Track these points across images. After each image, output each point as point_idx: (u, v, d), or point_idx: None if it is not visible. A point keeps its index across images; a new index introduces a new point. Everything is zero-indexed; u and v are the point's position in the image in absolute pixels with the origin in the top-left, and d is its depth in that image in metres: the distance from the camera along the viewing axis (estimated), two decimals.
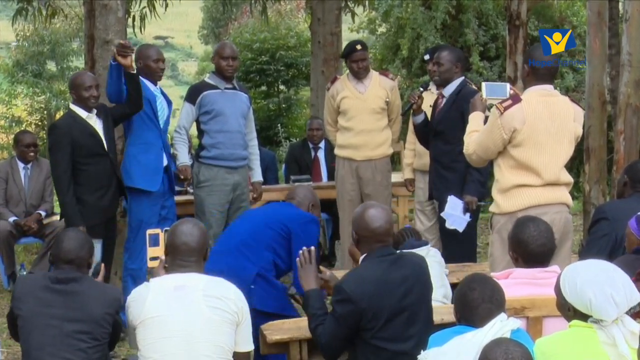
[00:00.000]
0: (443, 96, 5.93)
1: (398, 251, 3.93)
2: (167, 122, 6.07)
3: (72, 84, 5.66)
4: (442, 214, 5.79)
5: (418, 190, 6.61)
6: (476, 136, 4.62)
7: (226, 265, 4.52)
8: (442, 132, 5.85)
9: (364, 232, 3.76)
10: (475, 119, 4.76)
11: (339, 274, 4.30)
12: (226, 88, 6.18)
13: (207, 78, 6.34)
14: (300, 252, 4.02)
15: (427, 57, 6.63)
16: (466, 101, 5.39)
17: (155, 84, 5.97)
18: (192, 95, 6.23)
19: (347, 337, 3.68)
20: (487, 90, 4.74)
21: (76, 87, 5.58)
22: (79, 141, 5.50)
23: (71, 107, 5.65)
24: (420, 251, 4.64)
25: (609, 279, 2.88)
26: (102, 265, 4.10)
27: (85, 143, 5.52)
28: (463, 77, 5.93)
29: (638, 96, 6.36)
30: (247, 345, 3.67)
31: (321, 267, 4.11)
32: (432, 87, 6.55)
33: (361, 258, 3.82)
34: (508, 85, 4.77)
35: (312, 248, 4.03)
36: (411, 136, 6.64)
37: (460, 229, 5.71)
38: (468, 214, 5.63)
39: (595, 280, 2.88)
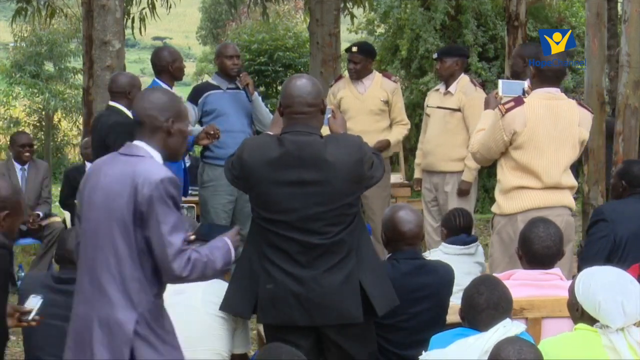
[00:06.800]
0: None
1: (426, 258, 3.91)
2: None
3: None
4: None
5: (424, 190, 6.62)
6: (481, 135, 4.61)
7: None
8: None
9: (392, 235, 3.75)
10: (485, 117, 4.71)
11: None
12: (229, 88, 6.17)
13: (211, 79, 6.36)
14: None
15: (435, 56, 6.63)
16: None
17: None
18: (195, 95, 6.21)
19: None
20: (503, 88, 4.67)
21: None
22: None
23: (114, 105, 5.57)
24: (470, 248, 4.72)
25: (623, 288, 2.90)
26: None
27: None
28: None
29: (637, 97, 6.35)
30: (245, 347, 3.67)
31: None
32: (440, 85, 6.58)
33: (387, 257, 3.81)
34: (525, 83, 4.68)
35: None
36: (422, 136, 6.69)
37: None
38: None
39: (609, 286, 2.91)
